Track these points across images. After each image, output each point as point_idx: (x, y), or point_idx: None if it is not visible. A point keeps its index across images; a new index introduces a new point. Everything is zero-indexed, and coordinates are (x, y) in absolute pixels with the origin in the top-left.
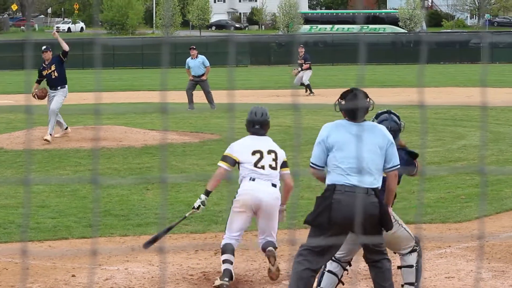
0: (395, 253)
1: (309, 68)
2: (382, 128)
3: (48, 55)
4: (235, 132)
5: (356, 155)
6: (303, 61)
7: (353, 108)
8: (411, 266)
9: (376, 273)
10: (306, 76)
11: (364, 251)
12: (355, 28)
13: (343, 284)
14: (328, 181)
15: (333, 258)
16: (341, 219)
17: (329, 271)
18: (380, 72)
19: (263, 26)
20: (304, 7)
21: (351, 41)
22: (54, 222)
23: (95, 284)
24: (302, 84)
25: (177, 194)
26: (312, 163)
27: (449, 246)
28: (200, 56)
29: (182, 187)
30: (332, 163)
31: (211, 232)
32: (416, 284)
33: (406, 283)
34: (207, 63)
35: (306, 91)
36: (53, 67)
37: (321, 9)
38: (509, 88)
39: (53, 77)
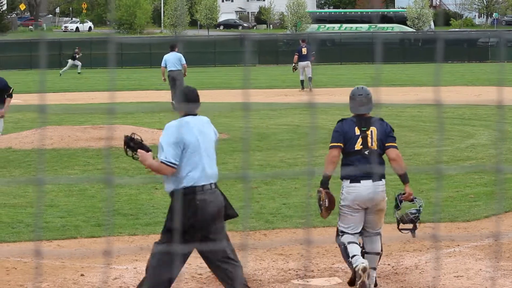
0: (362, 232)
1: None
2: (209, 120)
3: None
4: (242, 131)
5: (206, 152)
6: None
7: (189, 102)
8: (377, 254)
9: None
10: (310, 69)
11: (211, 262)
12: (363, 27)
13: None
14: (186, 182)
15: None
16: (209, 218)
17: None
18: (388, 71)
19: (271, 26)
20: (312, 7)
21: (359, 40)
22: (62, 221)
23: (104, 283)
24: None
25: None
26: (171, 163)
27: (458, 245)
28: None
29: None
30: (187, 163)
31: None
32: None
33: (370, 268)
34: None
35: (305, 87)
36: None
37: (329, 8)
38: None
39: None
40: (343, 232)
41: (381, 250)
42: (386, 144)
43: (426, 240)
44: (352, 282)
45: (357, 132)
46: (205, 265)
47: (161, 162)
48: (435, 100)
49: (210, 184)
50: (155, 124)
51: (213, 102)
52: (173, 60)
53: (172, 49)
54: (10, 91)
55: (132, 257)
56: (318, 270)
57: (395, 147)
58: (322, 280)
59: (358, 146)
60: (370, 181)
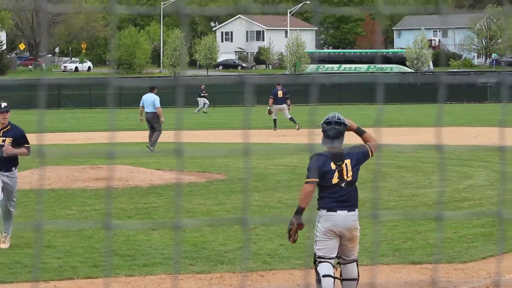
0: (339, 260)
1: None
2: None
3: (5, 118)
4: (240, 172)
5: None
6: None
7: None
8: (354, 280)
9: None
10: (287, 111)
11: None
12: (362, 67)
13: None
14: None
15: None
16: None
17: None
18: (387, 112)
19: (270, 66)
20: (311, 47)
21: (358, 80)
22: (60, 262)
23: None
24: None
25: (184, 234)
26: None
27: (455, 287)
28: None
29: (188, 227)
30: None
31: (217, 272)
32: None
33: None
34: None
35: (275, 127)
36: (8, 140)
37: (328, 48)
38: None
39: (3, 153)
40: (320, 258)
41: (358, 276)
42: (365, 151)
43: (424, 283)
44: None
45: (333, 167)
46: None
47: None
48: (436, 144)
49: None
50: (153, 164)
51: (212, 143)
52: (148, 101)
53: (150, 90)
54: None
55: None
56: None
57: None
58: None
59: (335, 180)
60: (346, 211)
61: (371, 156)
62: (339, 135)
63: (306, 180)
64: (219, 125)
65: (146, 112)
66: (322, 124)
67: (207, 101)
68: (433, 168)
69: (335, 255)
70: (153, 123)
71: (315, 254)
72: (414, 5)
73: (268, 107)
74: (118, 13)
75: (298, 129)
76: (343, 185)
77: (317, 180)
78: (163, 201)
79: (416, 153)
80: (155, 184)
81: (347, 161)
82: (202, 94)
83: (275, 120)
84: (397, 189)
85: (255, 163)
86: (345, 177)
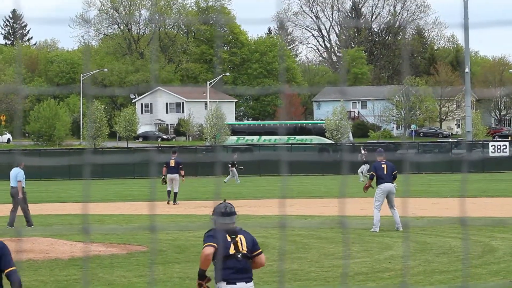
0: None
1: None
2: None
3: None
4: (161, 244)
5: None
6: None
7: None
8: None
9: None
10: (178, 182)
11: None
12: (282, 139)
13: None
14: None
15: None
16: None
17: None
18: (307, 183)
19: (190, 137)
20: (231, 118)
21: (278, 152)
22: None
23: None
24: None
25: None
26: None
27: None
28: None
29: None
30: None
31: None
32: None
33: None
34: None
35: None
36: None
37: (248, 120)
38: (434, 198)
39: None
40: None
41: None
42: (256, 252)
43: None
44: None
45: (229, 238)
46: None
47: None
48: (340, 222)
49: None
50: (73, 236)
51: (133, 215)
52: (13, 175)
53: (18, 164)
54: None
55: None
56: None
57: (262, 252)
58: None
59: (232, 250)
60: (244, 283)
61: (257, 262)
62: (231, 214)
63: (205, 244)
64: (138, 197)
65: (12, 186)
66: (215, 207)
67: (236, 172)
68: (354, 238)
69: None
70: (13, 198)
71: None
72: (333, 78)
73: (162, 176)
74: (24, 94)
75: (168, 204)
76: (239, 256)
77: (216, 245)
78: (84, 273)
79: (337, 224)
80: (75, 256)
81: (241, 236)
82: (234, 164)
83: (168, 192)
84: (318, 260)
85: (176, 235)
86: (241, 248)
